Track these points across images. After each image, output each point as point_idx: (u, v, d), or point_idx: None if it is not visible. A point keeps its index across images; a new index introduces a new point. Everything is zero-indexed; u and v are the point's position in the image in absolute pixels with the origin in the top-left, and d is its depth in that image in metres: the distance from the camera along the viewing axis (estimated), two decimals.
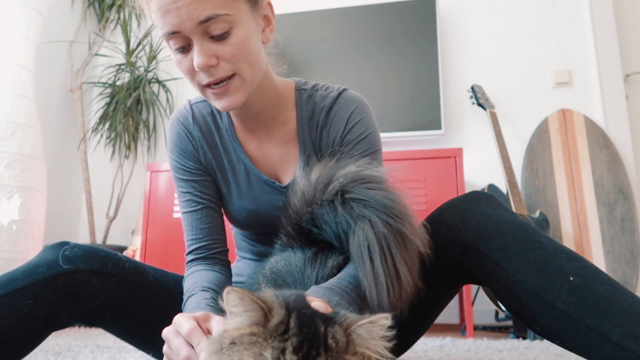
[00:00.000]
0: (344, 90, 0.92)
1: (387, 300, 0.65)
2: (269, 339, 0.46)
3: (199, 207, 0.92)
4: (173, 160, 0.95)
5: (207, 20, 0.73)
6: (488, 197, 0.82)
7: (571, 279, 0.69)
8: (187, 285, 0.85)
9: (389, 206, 0.67)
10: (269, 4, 0.85)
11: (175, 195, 2.26)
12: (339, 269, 0.72)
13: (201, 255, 0.90)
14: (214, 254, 0.91)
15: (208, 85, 0.79)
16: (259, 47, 0.82)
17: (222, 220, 0.95)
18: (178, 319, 0.63)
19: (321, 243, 0.76)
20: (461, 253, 0.79)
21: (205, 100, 0.95)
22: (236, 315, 0.48)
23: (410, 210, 0.69)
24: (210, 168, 0.94)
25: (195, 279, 0.85)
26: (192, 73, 0.79)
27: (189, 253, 0.92)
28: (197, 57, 0.75)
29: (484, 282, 0.80)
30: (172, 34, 0.75)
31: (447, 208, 0.84)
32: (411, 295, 0.70)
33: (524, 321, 0.76)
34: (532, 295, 0.71)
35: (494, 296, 0.80)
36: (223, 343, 0.48)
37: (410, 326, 0.92)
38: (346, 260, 0.73)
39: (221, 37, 0.75)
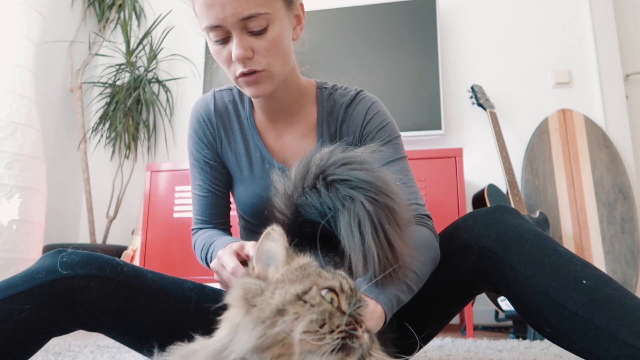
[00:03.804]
0: (361, 90, 1.00)
1: (380, 270, 0.66)
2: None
3: (208, 193, 1.01)
4: (191, 146, 1.02)
5: (249, 17, 0.80)
6: (512, 210, 0.85)
7: (584, 282, 0.71)
8: (202, 238, 0.98)
9: (374, 184, 0.68)
10: (301, 5, 0.92)
11: (175, 195, 2.26)
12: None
13: (206, 228, 1.03)
14: (219, 226, 1.03)
15: (242, 75, 0.85)
16: (290, 43, 0.89)
17: (228, 206, 1.05)
18: (222, 255, 0.77)
19: (314, 242, 0.75)
20: (480, 257, 0.82)
21: (228, 89, 1.02)
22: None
23: (395, 187, 0.71)
24: (227, 154, 1.01)
25: (209, 232, 0.99)
26: (228, 62, 0.86)
27: (195, 227, 1.04)
28: (235, 49, 0.82)
29: (500, 286, 0.81)
30: (215, 27, 0.81)
31: (471, 216, 0.87)
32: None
33: (535, 323, 0.78)
34: (545, 297, 0.73)
35: (508, 300, 0.81)
36: (290, 275, 0.52)
37: (424, 328, 0.93)
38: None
39: (259, 33, 0.82)
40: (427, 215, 0.89)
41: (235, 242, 0.81)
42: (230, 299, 0.51)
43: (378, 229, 0.66)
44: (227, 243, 0.86)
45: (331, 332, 0.45)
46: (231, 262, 0.74)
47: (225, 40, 0.83)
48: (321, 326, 0.45)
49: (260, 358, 0.44)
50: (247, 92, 0.89)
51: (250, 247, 0.77)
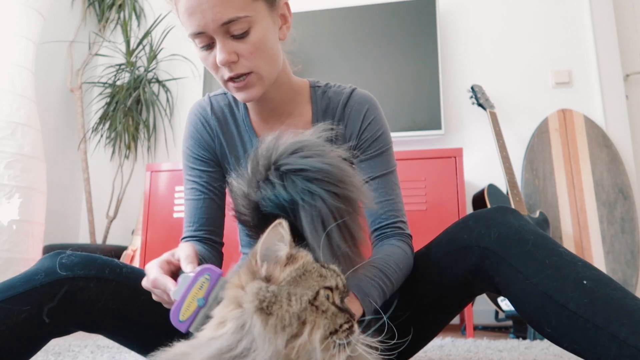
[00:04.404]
0: (355, 88, 1.00)
1: (350, 266, 0.68)
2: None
3: (202, 196, 0.97)
4: (187, 149, 1.00)
5: (229, 22, 0.79)
6: (513, 211, 0.85)
7: (585, 282, 0.71)
8: None
9: (331, 172, 0.67)
10: (286, 4, 0.91)
11: (175, 195, 2.26)
12: None
13: (195, 240, 0.96)
14: (208, 241, 0.96)
15: (230, 79, 0.85)
16: (276, 44, 0.88)
17: (223, 214, 1.00)
18: (148, 267, 0.70)
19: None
20: (481, 258, 0.82)
21: (223, 94, 1.02)
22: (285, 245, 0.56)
23: (349, 169, 0.69)
24: (225, 157, 1.00)
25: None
26: (215, 68, 0.85)
27: (184, 238, 0.97)
28: (219, 54, 0.82)
29: (501, 286, 0.81)
30: (198, 34, 0.82)
31: (473, 216, 0.87)
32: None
33: (536, 324, 0.78)
34: (546, 297, 0.73)
35: (509, 300, 0.82)
36: (296, 273, 0.54)
37: (425, 329, 0.93)
38: None
39: (241, 36, 0.81)
40: (408, 235, 0.92)
41: (168, 252, 0.75)
42: (235, 297, 0.51)
43: (342, 226, 0.66)
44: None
45: (336, 331, 0.51)
46: (151, 273, 0.67)
47: (210, 46, 0.83)
48: (327, 327, 0.51)
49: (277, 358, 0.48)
50: (238, 96, 0.89)
51: (178, 249, 0.72)
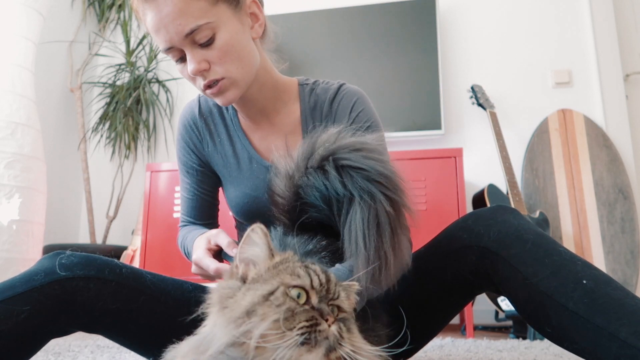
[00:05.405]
0: (344, 83, 0.99)
1: (387, 276, 0.66)
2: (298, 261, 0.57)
3: (194, 197, 1.04)
4: (178, 151, 1.05)
5: (191, 32, 0.80)
6: (512, 210, 0.85)
7: (584, 282, 0.71)
8: (182, 235, 1.03)
9: (392, 179, 0.67)
10: (254, 1, 0.90)
11: (175, 195, 2.26)
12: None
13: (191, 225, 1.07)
14: (206, 227, 1.04)
15: (205, 87, 0.86)
16: (248, 44, 0.88)
17: (216, 206, 1.08)
18: (199, 260, 0.80)
19: (318, 231, 0.74)
20: (480, 257, 0.81)
21: None
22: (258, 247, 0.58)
23: (405, 182, 0.70)
24: (213, 157, 1.02)
25: (188, 228, 1.03)
26: (192, 79, 0.87)
27: (181, 224, 1.07)
28: (189, 64, 0.83)
29: (500, 286, 0.81)
30: (168, 49, 0.83)
31: (472, 216, 0.87)
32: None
33: (536, 324, 0.77)
34: (546, 297, 0.73)
35: (509, 300, 0.82)
36: (262, 276, 0.55)
37: (424, 329, 0.93)
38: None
39: (207, 43, 0.82)
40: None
41: (202, 239, 0.84)
42: (210, 300, 0.55)
43: (394, 234, 0.65)
44: (196, 238, 0.90)
45: (291, 329, 0.48)
46: (211, 265, 0.78)
47: (183, 58, 0.84)
48: (278, 321, 0.49)
49: (237, 352, 0.48)
50: (217, 102, 0.90)
51: (214, 236, 0.82)
